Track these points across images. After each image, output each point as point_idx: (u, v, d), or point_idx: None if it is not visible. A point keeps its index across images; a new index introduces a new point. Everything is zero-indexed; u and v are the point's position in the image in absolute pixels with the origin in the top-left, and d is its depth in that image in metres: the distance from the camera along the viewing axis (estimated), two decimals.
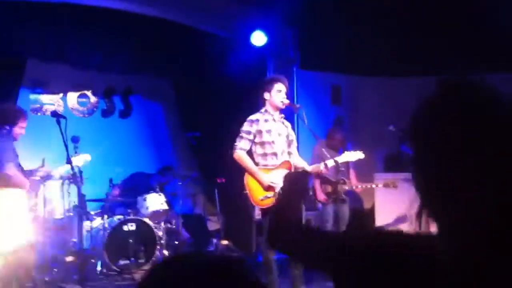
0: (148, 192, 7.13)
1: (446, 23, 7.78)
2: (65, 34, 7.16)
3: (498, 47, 7.70)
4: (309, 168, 5.27)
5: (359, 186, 6.93)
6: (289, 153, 5.23)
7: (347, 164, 6.52)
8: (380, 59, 8.41)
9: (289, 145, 5.23)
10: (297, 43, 8.33)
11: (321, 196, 6.95)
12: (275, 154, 5.08)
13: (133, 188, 7.28)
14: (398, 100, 8.69)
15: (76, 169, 5.52)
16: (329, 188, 6.84)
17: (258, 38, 7.68)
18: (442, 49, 8.06)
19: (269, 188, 5.00)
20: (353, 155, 5.38)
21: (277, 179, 5.00)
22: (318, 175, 6.65)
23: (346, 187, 6.86)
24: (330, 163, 5.15)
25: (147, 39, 7.64)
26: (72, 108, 8.23)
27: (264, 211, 5.10)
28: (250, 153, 5.13)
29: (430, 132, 0.94)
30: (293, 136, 5.31)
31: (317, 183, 6.98)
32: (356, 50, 8.25)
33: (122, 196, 7.13)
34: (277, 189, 4.99)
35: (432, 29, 7.90)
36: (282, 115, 5.25)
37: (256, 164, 5.09)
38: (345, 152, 5.51)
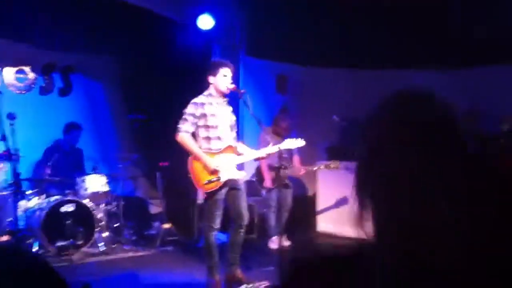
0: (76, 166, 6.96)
1: (398, 16, 7.94)
2: (5, 7, 6.85)
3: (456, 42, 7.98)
4: (250, 153, 5.28)
5: (302, 170, 7.08)
6: (234, 138, 5.24)
7: (290, 150, 6.61)
8: (328, 50, 8.53)
9: (231, 129, 5.22)
10: (245, 29, 8.32)
11: (268, 182, 7.02)
12: (219, 138, 5.06)
13: (57, 162, 6.95)
14: (344, 91, 8.88)
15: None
16: (273, 174, 6.93)
17: (205, 22, 7.61)
18: (390, 42, 8.24)
19: (213, 172, 4.98)
20: (294, 143, 5.41)
21: (221, 163, 5.00)
22: (264, 161, 6.73)
23: (288, 172, 6.97)
24: (273, 149, 5.16)
25: (92, 16, 7.40)
26: (8, 84, 7.88)
27: (208, 195, 5.06)
28: (194, 136, 5.08)
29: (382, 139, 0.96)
30: (233, 121, 5.27)
31: (265, 170, 7.03)
32: (304, 40, 8.33)
33: (53, 174, 6.84)
34: (221, 173, 4.99)
35: (384, 21, 8.05)
36: (226, 99, 5.22)
37: (200, 147, 5.03)
38: (287, 139, 5.51)
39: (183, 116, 5.04)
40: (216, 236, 5.12)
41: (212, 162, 4.97)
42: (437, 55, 8.19)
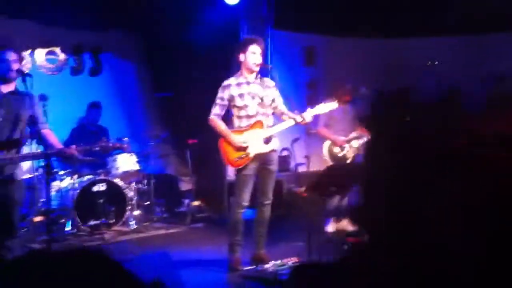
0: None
1: None
2: None
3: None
4: (279, 124, 5.23)
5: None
6: (266, 114, 5.18)
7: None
8: (356, 20, 8.32)
9: (270, 105, 5.18)
10: (272, 2, 8.18)
11: (340, 141, 6.76)
12: (248, 116, 5.11)
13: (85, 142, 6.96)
14: (373, 62, 8.68)
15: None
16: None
17: None
18: (418, 11, 8.02)
19: (240, 148, 5.05)
20: (327, 106, 5.34)
21: (248, 139, 5.05)
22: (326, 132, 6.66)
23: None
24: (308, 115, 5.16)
25: None
26: (40, 66, 8.00)
27: (237, 172, 5.15)
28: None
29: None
30: (269, 97, 5.17)
31: (329, 135, 6.80)
32: (332, 10, 8.14)
33: (84, 154, 6.90)
34: (249, 149, 5.02)
35: None
36: (258, 76, 5.16)
37: (234, 125, 5.16)
38: (320, 104, 5.36)
39: (215, 100, 5.17)
40: (243, 213, 5.16)
41: (237, 139, 5.06)
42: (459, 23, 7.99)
